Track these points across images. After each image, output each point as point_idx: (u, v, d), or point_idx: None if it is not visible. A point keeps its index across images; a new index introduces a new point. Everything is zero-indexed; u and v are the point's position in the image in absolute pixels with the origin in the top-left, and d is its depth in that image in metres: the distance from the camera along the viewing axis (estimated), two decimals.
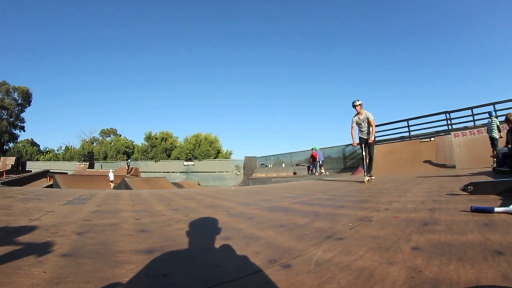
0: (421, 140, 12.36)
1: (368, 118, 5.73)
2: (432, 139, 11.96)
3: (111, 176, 22.44)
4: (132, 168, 23.65)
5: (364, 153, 5.90)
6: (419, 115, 13.56)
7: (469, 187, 2.30)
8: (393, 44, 60.23)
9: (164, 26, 73.58)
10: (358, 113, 5.83)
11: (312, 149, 16.41)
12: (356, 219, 1.83)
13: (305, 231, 1.57)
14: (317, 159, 16.60)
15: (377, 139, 15.46)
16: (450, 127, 12.27)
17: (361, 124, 5.86)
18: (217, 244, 1.41)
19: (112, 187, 19.86)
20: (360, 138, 5.98)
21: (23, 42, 65.89)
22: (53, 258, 1.28)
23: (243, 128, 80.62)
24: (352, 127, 6.00)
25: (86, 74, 74.71)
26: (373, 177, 5.91)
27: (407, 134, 13.65)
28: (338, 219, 1.89)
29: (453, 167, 9.36)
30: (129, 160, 28.47)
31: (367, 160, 5.87)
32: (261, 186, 7.13)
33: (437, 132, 12.66)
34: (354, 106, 5.79)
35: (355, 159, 16.07)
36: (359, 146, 6.09)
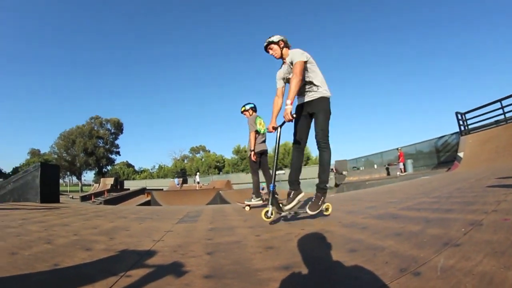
0: None
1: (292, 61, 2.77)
2: None
3: (197, 178, 28.03)
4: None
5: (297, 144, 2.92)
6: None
7: None
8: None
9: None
10: (282, 62, 3.00)
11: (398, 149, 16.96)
12: (467, 223, 1.85)
13: (422, 239, 1.65)
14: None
15: (469, 126, 14.12)
16: None
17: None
18: (346, 257, 1.50)
19: (197, 188, 24.13)
20: (298, 108, 2.91)
21: (110, 81, 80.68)
22: (197, 280, 1.32)
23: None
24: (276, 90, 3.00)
25: (166, 93, 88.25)
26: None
27: (502, 117, 11.97)
28: (449, 224, 1.91)
29: None
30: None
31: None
32: (360, 191, 6.96)
33: None
34: (267, 49, 2.94)
35: (450, 152, 14.80)
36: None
